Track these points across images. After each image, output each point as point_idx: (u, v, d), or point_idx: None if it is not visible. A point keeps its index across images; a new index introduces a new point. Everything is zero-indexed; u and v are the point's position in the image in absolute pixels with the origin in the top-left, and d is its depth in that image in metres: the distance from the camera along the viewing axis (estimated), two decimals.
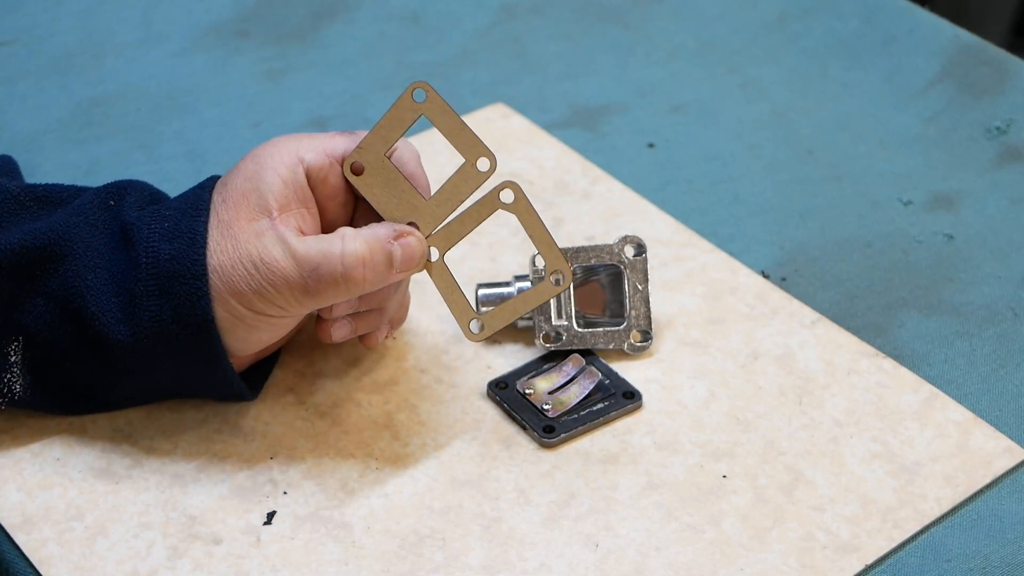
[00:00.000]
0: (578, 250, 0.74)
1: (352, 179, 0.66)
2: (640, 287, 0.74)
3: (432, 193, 0.67)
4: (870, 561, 0.65)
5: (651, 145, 0.90)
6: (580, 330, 0.73)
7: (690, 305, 0.77)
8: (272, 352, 0.71)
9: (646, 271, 0.74)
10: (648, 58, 0.98)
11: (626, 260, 0.74)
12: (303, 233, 0.65)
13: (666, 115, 0.93)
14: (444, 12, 1.02)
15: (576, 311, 0.74)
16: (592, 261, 0.74)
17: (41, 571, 0.63)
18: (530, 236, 0.67)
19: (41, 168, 0.86)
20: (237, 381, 0.67)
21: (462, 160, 0.67)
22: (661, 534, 0.66)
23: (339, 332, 0.68)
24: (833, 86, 0.96)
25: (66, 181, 0.85)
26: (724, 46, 0.99)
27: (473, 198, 0.67)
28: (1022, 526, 0.67)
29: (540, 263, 0.73)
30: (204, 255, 0.63)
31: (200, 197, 0.65)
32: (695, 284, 0.79)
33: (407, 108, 0.66)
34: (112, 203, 0.67)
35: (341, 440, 0.70)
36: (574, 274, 0.74)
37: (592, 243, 0.79)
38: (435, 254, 0.67)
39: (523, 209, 0.67)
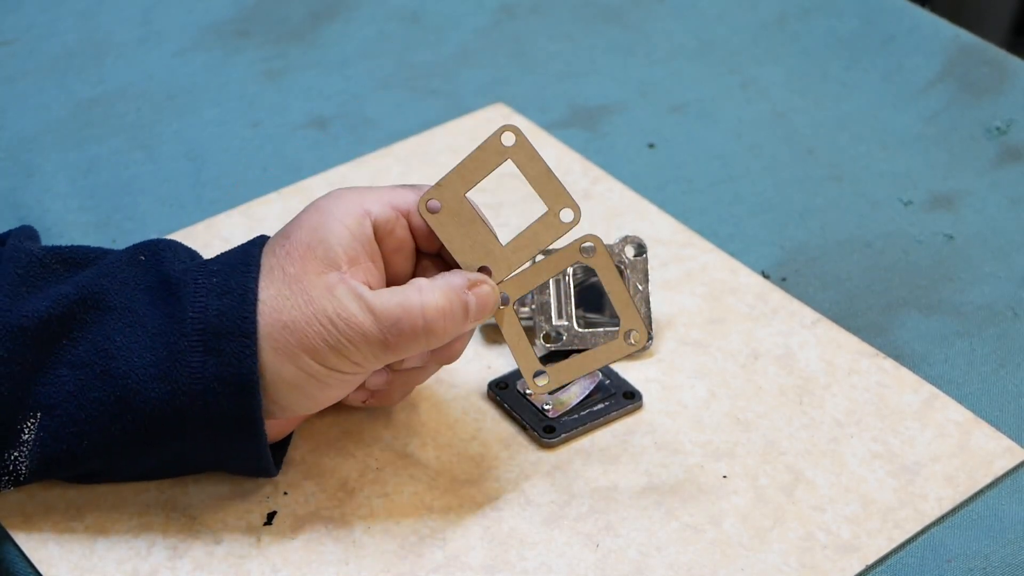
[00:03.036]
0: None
1: (427, 217, 0.64)
2: (640, 287, 0.74)
3: (509, 239, 0.65)
4: (870, 561, 0.65)
5: (651, 145, 0.90)
6: (580, 330, 0.73)
7: (690, 305, 0.77)
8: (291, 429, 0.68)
9: (646, 271, 0.74)
10: (648, 58, 0.98)
11: (626, 260, 0.74)
12: (371, 287, 0.62)
13: (666, 115, 0.93)
14: (444, 12, 1.02)
15: (576, 311, 0.74)
16: None
17: (41, 571, 0.63)
18: (608, 292, 0.65)
19: (41, 168, 0.86)
20: (266, 453, 0.64)
21: (544, 209, 0.65)
22: (661, 534, 0.66)
23: (374, 380, 0.66)
24: (833, 86, 0.96)
25: (66, 181, 0.86)
26: (724, 46, 0.99)
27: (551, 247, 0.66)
28: (1022, 526, 0.67)
29: None
30: (255, 313, 0.61)
31: (249, 253, 0.63)
32: (695, 284, 0.79)
33: (494, 151, 0.64)
34: (143, 258, 0.65)
35: (341, 440, 0.70)
36: (575, 274, 0.74)
37: None
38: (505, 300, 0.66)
39: (603, 264, 0.65)
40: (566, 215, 0.65)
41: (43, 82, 0.94)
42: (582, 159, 0.88)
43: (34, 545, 0.64)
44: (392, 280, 0.65)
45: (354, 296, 0.61)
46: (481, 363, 0.74)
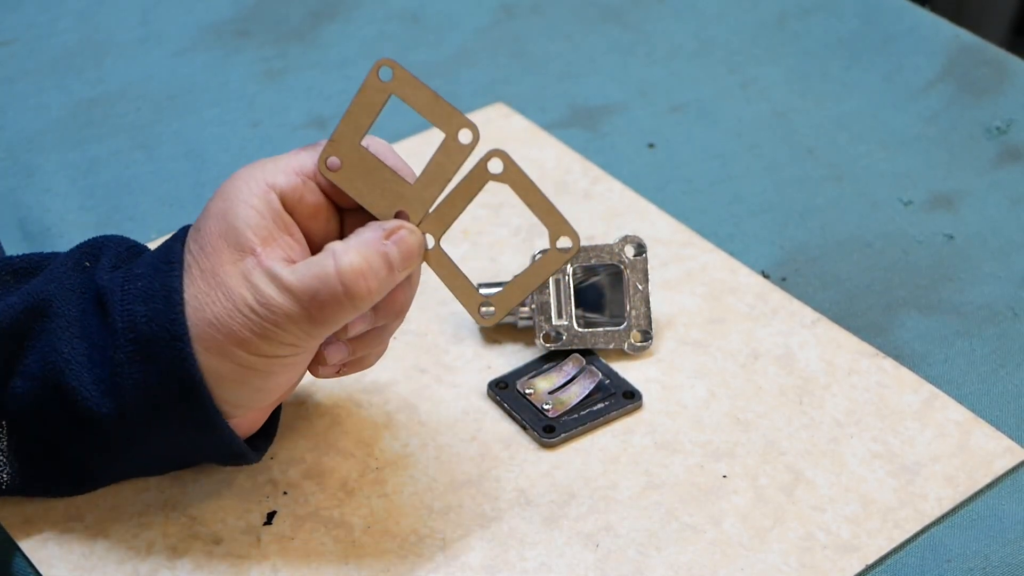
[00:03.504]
0: (578, 250, 0.74)
1: (329, 176, 0.61)
2: (640, 287, 0.74)
3: (416, 176, 0.63)
4: (870, 561, 0.65)
5: (651, 145, 0.90)
6: (580, 330, 0.73)
7: (690, 305, 0.77)
8: (275, 409, 0.67)
9: (646, 271, 0.74)
10: (648, 58, 0.98)
11: (626, 260, 0.74)
12: (293, 262, 0.60)
13: (666, 115, 0.93)
14: (444, 12, 1.02)
15: (576, 311, 0.74)
16: (592, 261, 0.74)
17: (41, 571, 0.63)
18: (527, 205, 0.62)
19: (41, 168, 0.86)
20: (237, 442, 0.63)
21: (442, 136, 0.62)
22: (661, 534, 0.66)
23: (334, 355, 0.63)
24: (833, 86, 0.96)
25: (66, 181, 0.86)
26: (724, 46, 0.99)
27: (460, 174, 0.62)
28: (1022, 526, 0.67)
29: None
30: (182, 313, 0.59)
31: (172, 250, 0.61)
32: (695, 284, 0.79)
33: (375, 89, 0.62)
34: (87, 264, 0.63)
35: (341, 440, 0.70)
36: (575, 274, 0.74)
37: (592, 243, 0.79)
38: (430, 241, 0.63)
39: (515, 178, 0.62)
40: (464, 136, 0.62)
41: (43, 82, 0.94)
42: (582, 159, 0.88)
43: (34, 545, 0.64)
44: (319, 248, 0.62)
45: (269, 278, 0.59)
46: (481, 363, 0.74)
